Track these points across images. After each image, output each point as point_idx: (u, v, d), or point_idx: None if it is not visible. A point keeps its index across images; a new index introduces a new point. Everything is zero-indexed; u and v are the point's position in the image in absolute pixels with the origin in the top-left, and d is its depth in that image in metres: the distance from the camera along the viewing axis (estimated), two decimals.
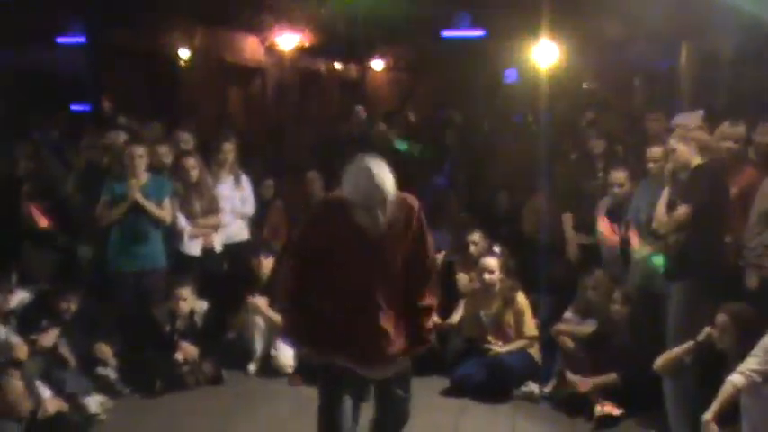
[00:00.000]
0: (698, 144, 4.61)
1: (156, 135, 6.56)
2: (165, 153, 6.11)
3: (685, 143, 4.64)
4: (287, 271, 3.48)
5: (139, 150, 5.73)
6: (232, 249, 6.20)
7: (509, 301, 5.49)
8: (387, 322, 3.33)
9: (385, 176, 3.22)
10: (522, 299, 5.52)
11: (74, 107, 9.21)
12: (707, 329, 4.18)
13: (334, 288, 3.34)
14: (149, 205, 5.61)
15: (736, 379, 3.76)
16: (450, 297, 5.82)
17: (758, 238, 4.61)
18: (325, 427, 3.48)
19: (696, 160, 4.58)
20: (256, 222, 6.58)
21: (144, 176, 5.71)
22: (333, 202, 3.42)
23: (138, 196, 5.56)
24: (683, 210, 4.56)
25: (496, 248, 5.70)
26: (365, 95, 13.32)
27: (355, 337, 3.33)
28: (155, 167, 5.86)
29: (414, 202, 3.42)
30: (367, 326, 3.32)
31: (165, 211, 5.73)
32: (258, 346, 5.89)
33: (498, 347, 5.42)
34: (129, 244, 5.68)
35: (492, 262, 5.54)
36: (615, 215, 5.59)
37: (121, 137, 6.08)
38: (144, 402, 5.33)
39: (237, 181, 6.30)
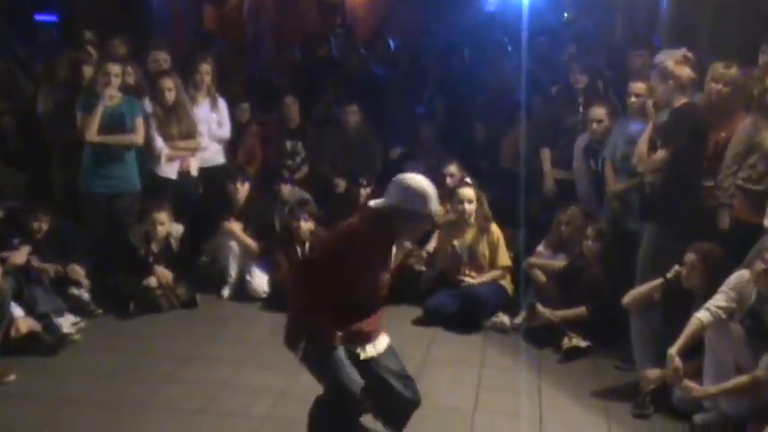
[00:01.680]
0: (679, 83, 4.59)
1: (121, 53, 6.38)
2: (130, 73, 5.96)
3: (666, 82, 4.62)
4: (301, 284, 3.42)
5: (115, 68, 5.59)
6: (208, 173, 6.14)
7: (483, 232, 5.54)
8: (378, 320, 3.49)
9: (431, 189, 3.35)
10: (496, 229, 5.57)
11: (39, 17, 8.90)
12: (676, 268, 4.27)
13: (340, 293, 3.35)
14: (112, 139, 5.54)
15: (702, 316, 3.86)
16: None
17: (730, 178, 4.68)
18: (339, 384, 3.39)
19: (679, 100, 4.57)
20: (232, 146, 6.50)
21: (117, 95, 5.59)
22: (371, 233, 3.35)
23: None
24: (661, 153, 4.58)
25: (468, 180, 5.70)
26: (343, 16, 13.03)
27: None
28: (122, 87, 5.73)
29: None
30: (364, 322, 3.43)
31: (138, 132, 5.63)
32: (232, 270, 5.91)
33: (471, 278, 5.49)
34: (102, 165, 5.61)
35: (468, 192, 5.55)
36: (593, 151, 5.61)
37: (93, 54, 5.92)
38: (117, 324, 5.36)
39: (214, 104, 6.18)
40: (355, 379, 3.34)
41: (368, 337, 3.47)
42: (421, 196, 3.30)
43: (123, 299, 5.46)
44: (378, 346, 3.51)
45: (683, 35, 5.96)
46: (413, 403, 3.57)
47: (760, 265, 3.78)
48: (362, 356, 3.44)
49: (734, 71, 4.78)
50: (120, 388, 4.34)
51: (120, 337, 5.12)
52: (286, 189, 6.26)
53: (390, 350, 3.58)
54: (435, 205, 3.35)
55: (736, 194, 4.66)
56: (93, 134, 5.51)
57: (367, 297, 3.43)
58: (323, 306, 3.32)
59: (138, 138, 5.64)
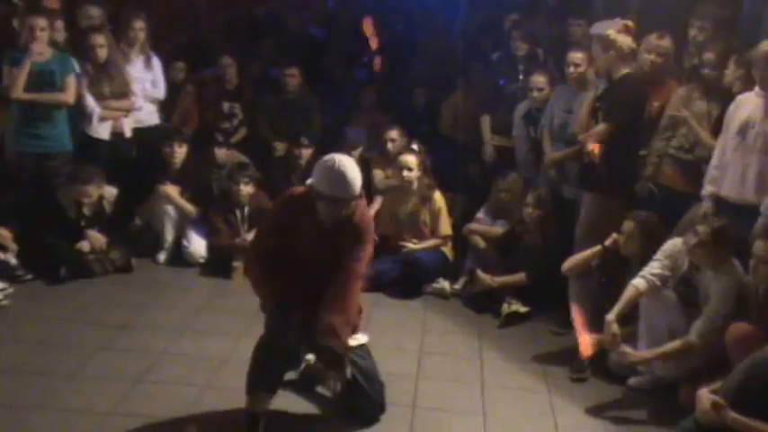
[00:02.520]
0: (621, 53, 4.65)
1: (51, 7, 6.07)
2: (60, 28, 5.67)
3: (608, 51, 4.67)
4: (255, 279, 3.60)
5: (40, 22, 5.32)
6: (142, 134, 5.93)
7: (426, 200, 5.54)
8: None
9: (356, 176, 3.36)
10: (439, 198, 5.58)
11: None
12: (614, 235, 4.37)
13: (289, 276, 3.50)
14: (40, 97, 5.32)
15: (638, 283, 3.97)
16: (366, 194, 5.82)
17: (661, 145, 4.79)
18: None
19: (620, 70, 4.63)
20: (166, 107, 6.31)
21: (47, 51, 5.34)
22: (297, 197, 3.50)
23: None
24: (601, 126, 4.64)
25: (415, 146, 5.67)
26: None
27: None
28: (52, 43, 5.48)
29: (368, 222, 3.61)
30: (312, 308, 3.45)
31: (68, 91, 5.40)
32: (168, 235, 5.77)
33: (412, 245, 5.50)
34: (30, 124, 5.36)
35: (411, 159, 5.54)
36: (533, 119, 5.66)
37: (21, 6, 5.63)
38: (48, 290, 5.17)
39: (148, 62, 5.96)
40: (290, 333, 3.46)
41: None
42: (337, 180, 3.33)
43: (54, 264, 5.27)
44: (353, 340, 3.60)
45: (615, 5, 6.02)
46: (378, 406, 3.66)
47: (692, 238, 3.89)
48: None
49: (666, 42, 4.88)
50: (52, 357, 4.20)
51: (51, 304, 4.95)
52: (221, 153, 6.12)
53: (366, 351, 3.68)
54: (351, 190, 3.35)
55: (668, 163, 4.79)
56: (19, 91, 5.25)
57: (312, 279, 3.46)
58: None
59: (68, 97, 5.41)
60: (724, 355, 3.62)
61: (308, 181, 3.44)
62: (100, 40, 5.57)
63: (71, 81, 5.41)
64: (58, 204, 5.39)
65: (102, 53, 5.59)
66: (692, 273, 3.99)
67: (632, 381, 4.08)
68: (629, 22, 4.72)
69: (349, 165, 3.38)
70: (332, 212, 3.39)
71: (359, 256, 3.50)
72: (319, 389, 3.89)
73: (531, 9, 7.03)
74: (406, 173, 5.51)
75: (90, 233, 5.41)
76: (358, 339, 3.70)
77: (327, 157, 3.43)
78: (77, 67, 5.47)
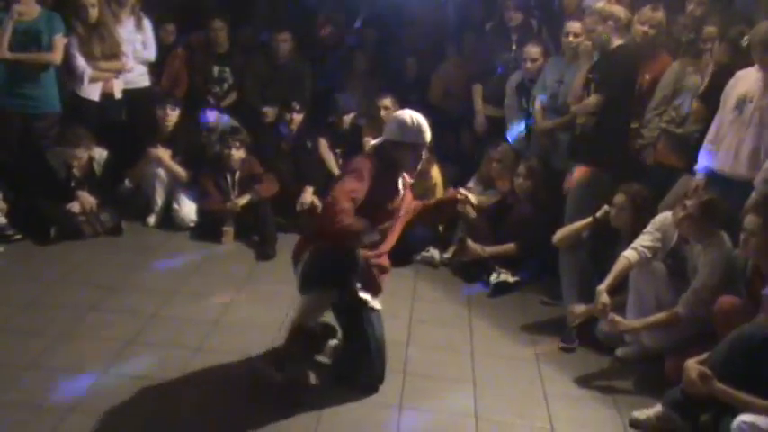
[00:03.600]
0: (618, 24, 4.65)
1: None
2: None
3: (605, 22, 4.67)
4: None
5: None
6: (132, 96, 5.88)
7: (422, 173, 5.51)
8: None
9: (425, 123, 3.65)
10: (436, 173, 5.56)
11: None
12: (605, 207, 4.41)
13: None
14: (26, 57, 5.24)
15: (629, 254, 4.01)
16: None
17: (655, 119, 4.82)
18: None
19: (615, 41, 4.64)
20: (156, 69, 6.24)
21: (34, 10, 5.25)
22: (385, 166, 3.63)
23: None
24: (594, 98, 4.66)
25: None
26: None
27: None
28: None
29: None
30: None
31: (56, 51, 5.31)
32: (159, 198, 5.75)
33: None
34: (16, 83, 5.29)
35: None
36: (525, 90, 5.66)
37: None
38: (38, 250, 5.15)
39: (139, 23, 5.90)
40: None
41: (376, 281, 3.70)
42: (418, 128, 3.60)
43: (44, 224, 5.23)
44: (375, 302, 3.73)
45: None
46: (378, 378, 3.68)
47: (680, 212, 3.94)
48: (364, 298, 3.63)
49: (660, 14, 4.90)
50: (43, 317, 4.19)
51: (40, 263, 4.94)
52: (211, 116, 6.08)
53: (379, 317, 3.74)
54: (428, 136, 3.64)
55: (660, 136, 4.82)
56: (3, 51, 5.18)
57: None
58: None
59: (56, 57, 5.33)
60: (711, 326, 3.67)
61: (375, 141, 3.73)
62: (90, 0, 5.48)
63: (58, 41, 5.32)
64: (48, 165, 5.34)
65: (93, 13, 5.52)
66: (681, 245, 4.04)
67: (620, 351, 4.13)
68: None
69: (419, 115, 3.65)
70: (413, 160, 3.65)
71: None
72: (319, 357, 3.90)
73: None
74: None
75: (80, 194, 5.38)
76: (374, 304, 3.72)
77: (399, 112, 3.72)
78: (64, 27, 5.38)
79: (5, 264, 4.86)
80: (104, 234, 5.44)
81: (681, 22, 5.13)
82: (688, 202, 3.93)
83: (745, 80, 4.15)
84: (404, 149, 3.62)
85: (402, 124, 3.61)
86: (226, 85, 6.45)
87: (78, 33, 5.50)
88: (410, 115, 3.63)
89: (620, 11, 4.65)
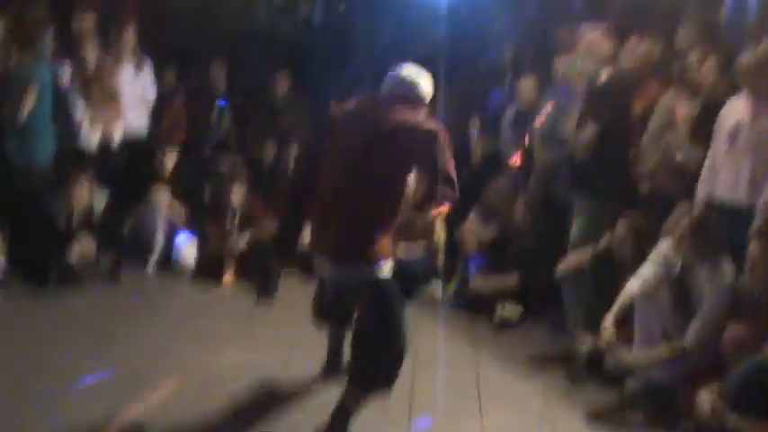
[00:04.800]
0: (602, 57, 4.68)
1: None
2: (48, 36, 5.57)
3: (590, 57, 4.71)
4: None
5: None
6: (131, 140, 5.91)
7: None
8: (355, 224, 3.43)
9: (424, 79, 3.54)
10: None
11: None
12: (607, 238, 4.39)
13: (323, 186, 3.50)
14: None
15: (634, 285, 3.99)
16: None
17: (652, 148, 4.82)
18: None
19: (603, 74, 4.66)
20: (155, 113, 6.26)
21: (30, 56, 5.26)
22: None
23: None
24: (589, 129, 4.67)
25: None
26: None
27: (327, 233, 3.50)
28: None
29: (438, 131, 3.49)
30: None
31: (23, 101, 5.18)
32: (158, 241, 5.72)
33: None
34: (13, 133, 5.27)
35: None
36: (522, 122, 5.67)
37: None
38: (35, 296, 5.09)
39: (139, 68, 5.94)
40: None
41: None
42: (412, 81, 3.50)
43: (41, 270, 5.20)
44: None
45: (597, 10, 6.08)
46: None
47: (676, 235, 3.93)
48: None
49: (646, 45, 4.95)
50: (40, 364, 4.11)
51: (38, 310, 4.87)
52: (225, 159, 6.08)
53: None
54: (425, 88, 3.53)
55: (658, 166, 4.82)
56: None
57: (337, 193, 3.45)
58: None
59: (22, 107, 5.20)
60: (721, 357, 3.62)
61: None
62: (90, 47, 5.53)
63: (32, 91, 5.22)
64: (48, 210, 5.32)
65: (93, 60, 5.55)
66: (686, 274, 4.01)
67: (629, 383, 4.08)
68: (607, 28, 4.80)
69: (419, 71, 3.56)
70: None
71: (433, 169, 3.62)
72: None
73: (516, 15, 7.07)
74: None
75: (79, 240, 5.35)
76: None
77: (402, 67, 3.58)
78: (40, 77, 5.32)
79: (1, 308, 4.83)
80: (103, 279, 5.41)
81: (671, 52, 5.19)
82: (681, 223, 3.94)
83: (736, 108, 4.16)
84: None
85: (397, 78, 3.53)
86: (225, 127, 6.47)
87: (78, 80, 5.53)
88: (407, 70, 3.54)
89: (602, 45, 4.69)
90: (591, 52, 4.71)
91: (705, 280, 3.87)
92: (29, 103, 5.20)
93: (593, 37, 4.76)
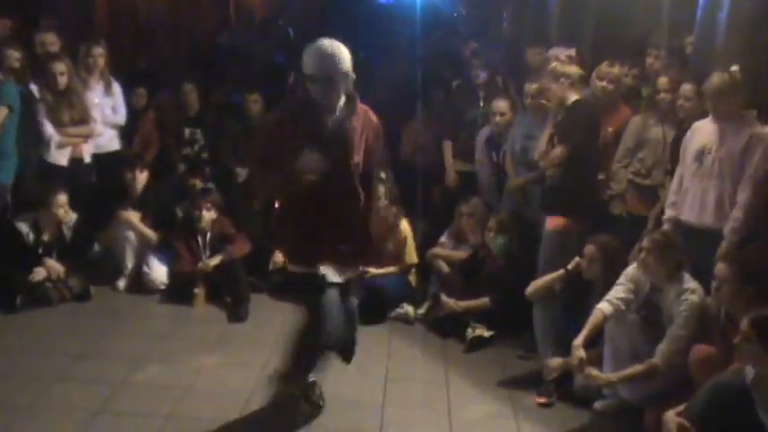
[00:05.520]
0: (570, 80, 4.74)
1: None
2: (11, 56, 5.51)
3: (558, 81, 4.76)
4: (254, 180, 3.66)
5: None
6: (102, 160, 5.86)
7: (392, 229, 5.52)
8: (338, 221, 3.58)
9: (341, 52, 3.45)
10: (405, 227, 5.54)
11: None
12: (576, 259, 4.42)
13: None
14: None
15: (604, 307, 4.01)
16: None
17: (621, 171, 4.90)
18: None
19: (571, 97, 4.72)
20: (127, 133, 6.24)
21: None
22: (292, 104, 3.70)
23: None
24: (559, 149, 4.72)
25: (383, 174, 5.66)
26: (237, 3, 12.74)
27: (315, 235, 3.58)
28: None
29: (374, 116, 3.71)
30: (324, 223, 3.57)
31: None
32: (129, 261, 5.68)
33: (375, 270, 5.47)
34: None
35: (378, 188, 5.51)
36: (495, 144, 5.72)
37: None
38: (3, 319, 5.04)
39: (108, 88, 5.91)
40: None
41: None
42: (324, 57, 3.43)
43: (9, 292, 5.14)
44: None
45: (568, 35, 6.17)
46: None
47: (640, 254, 4.00)
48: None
49: (617, 69, 5.06)
50: (8, 388, 4.08)
51: (7, 334, 4.82)
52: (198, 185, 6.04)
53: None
54: (340, 66, 3.43)
55: (627, 188, 4.89)
56: None
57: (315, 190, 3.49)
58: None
59: None
60: (688, 376, 3.66)
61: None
62: (60, 67, 5.50)
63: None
64: (16, 231, 5.27)
65: (63, 80, 5.51)
66: (654, 295, 4.05)
67: (598, 405, 4.10)
68: (572, 53, 4.95)
69: (336, 44, 3.45)
70: (325, 94, 3.46)
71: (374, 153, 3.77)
72: None
73: (490, 37, 7.15)
74: None
75: (47, 261, 5.30)
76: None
77: (314, 43, 3.48)
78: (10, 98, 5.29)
79: None
80: (73, 300, 5.35)
81: (640, 76, 5.28)
82: (644, 243, 4.00)
83: (702, 131, 4.23)
84: (315, 82, 3.45)
85: (313, 53, 3.44)
86: (197, 147, 6.44)
87: (47, 101, 5.49)
88: (325, 43, 3.45)
89: (571, 69, 4.76)
90: (555, 78, 4.76)
91: (674, 300, 3.91)
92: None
93: (558, 64, 4.82)
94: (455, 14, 11.58)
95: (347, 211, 3.61)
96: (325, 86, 3.45)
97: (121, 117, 6.04)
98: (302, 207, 3.59)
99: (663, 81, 4.76)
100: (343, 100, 3.56)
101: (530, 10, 8.41)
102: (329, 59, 3.42)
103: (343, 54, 3.46)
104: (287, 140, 3.48)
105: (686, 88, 4.51)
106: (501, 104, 5.65)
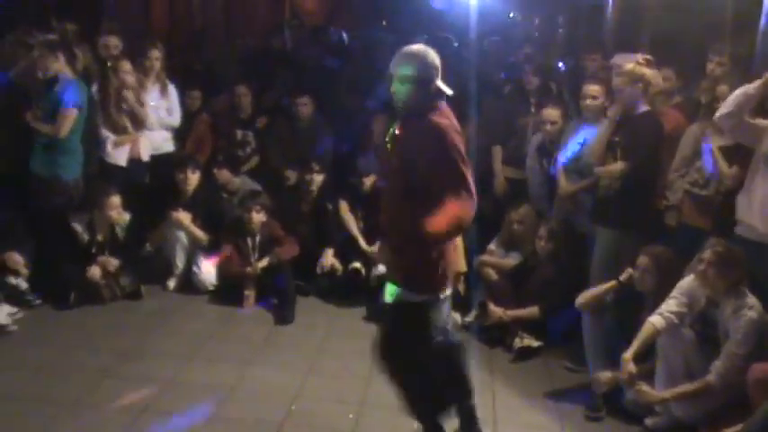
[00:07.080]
0: (648, 85, 4.59)
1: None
2: (80, 57, 5.60)
3: (635, 84, 4.61)
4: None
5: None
6: (156, 161, 5.96)
7: None
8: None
9: (424, 52, 3.34)
10: None
11: None
12: (628, 270, 4.30)
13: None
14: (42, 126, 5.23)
15: (656, 320, 3.90)
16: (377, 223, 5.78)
17: (678, 181, 4.76)
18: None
19: (640, 108, 4.58)
20: (181, 134, 6.32)
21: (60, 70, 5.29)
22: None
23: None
24: (620, 165, 4.58)
25: None
26: (292, 7, 12.86)
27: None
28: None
29: (445, 128, 3.35)
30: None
31: (59, 124, 5.16)
32: (179, 261, 5.75)
33: None
34: (43, 149, 5.33)
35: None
36: (546, 151, 5.63)
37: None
38: (57, 315, 5.15)
39: (164, 90, 6.01)
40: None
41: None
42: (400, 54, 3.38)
43: (64, 289, 5.24)
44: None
45: (624, 41, 6.04)
46: None
47: (700, 266, 3.85)
48: None
49: (669, 74, 4.93)
50: (56, 383, 4.16)
51: (59, 329, 4.92)
52: (222, 175, 6.07)
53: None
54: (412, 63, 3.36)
55: (684, 198, 4.76)
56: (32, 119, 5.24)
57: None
58: None
59: (58, 130, 5.18)
60: (745, 395, 3.53)
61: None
62: (127, 66, 5.63)
63: (65, 113, 5.20)
64: (72, 230, 5.37)
65: (130, 79, 5.64)
66: (710, 310, 3.92)
67: (649, 421, 3.98)
68: (648, 56, 4.68)
69: (418, 46, 3.37)
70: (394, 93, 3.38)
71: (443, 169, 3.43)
72: None
73: (544, 43, 7.06)
74: None
75: (101, 259, 5.39)
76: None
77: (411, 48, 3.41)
78: (80, 99, 5.35)
79: (24, 328, 4.85)
80: (124, 298, 5.43)
81: (700, 84, 5.13)
82: (705, 255, 3.85)
83: None
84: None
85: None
86: (248, 149, 6.51)
87: (105, 101, 5.60)
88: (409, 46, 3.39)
89: (651, 74, 4.59)
90: (632, 80, 4.60)
91: (731, 315, 3.78)
92: (70, 123, 5.23)
93: (638, 66, 4.64)
94: (508, 18, 11.55)
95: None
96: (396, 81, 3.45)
97: (176, 119, 6.13)
98: None
99: (723, 89, 4.59)
100: None
101: (585, 15, 8.33)
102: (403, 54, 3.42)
103: (426, 53, 3.42)
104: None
105: (722, 89, 4.38)
106: (552, 113, 5.53)
